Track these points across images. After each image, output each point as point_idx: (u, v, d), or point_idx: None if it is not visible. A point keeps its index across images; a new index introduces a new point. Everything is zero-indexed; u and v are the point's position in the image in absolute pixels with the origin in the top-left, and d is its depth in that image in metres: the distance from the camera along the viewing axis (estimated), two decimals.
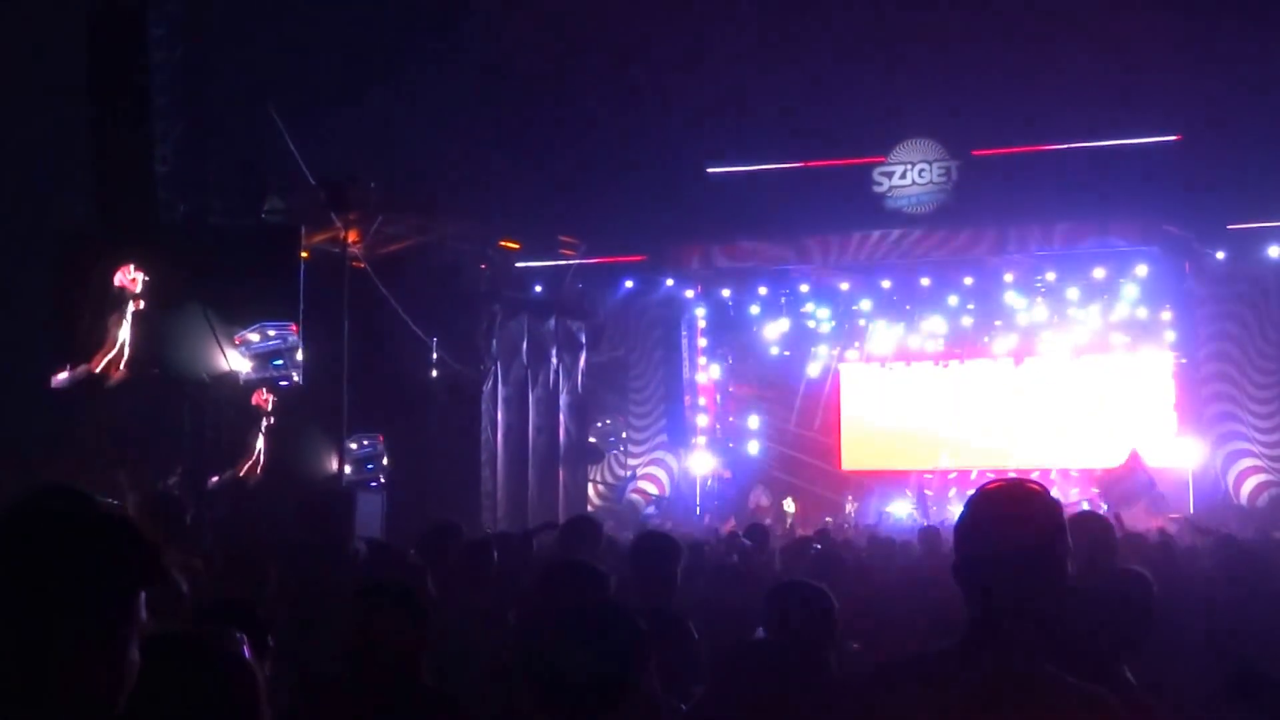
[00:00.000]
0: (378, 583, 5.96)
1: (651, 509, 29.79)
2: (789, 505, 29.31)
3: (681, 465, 31.50)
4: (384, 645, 5.06)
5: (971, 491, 3.55)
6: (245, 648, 3.00)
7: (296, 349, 19.63)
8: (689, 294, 31.47)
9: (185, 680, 2.85)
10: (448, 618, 8.37)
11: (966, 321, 30.77)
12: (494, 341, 26.18)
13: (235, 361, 20.08)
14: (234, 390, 21.24)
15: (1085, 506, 17.95)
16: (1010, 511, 3.43)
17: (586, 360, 29.66)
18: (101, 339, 19.79)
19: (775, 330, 32.11)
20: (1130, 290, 28.87)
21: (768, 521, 27.44)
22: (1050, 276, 29.03)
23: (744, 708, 5.18)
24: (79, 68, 19.82)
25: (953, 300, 30.26)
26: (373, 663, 5.02)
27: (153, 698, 2.61)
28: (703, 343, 32.52)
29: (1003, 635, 3.34)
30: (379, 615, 5.16)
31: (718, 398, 32.83)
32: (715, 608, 8.46)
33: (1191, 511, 25.24)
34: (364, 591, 5.48)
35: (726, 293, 31.61)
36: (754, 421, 33.10)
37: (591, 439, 30.15)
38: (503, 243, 27.19)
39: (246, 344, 20.06)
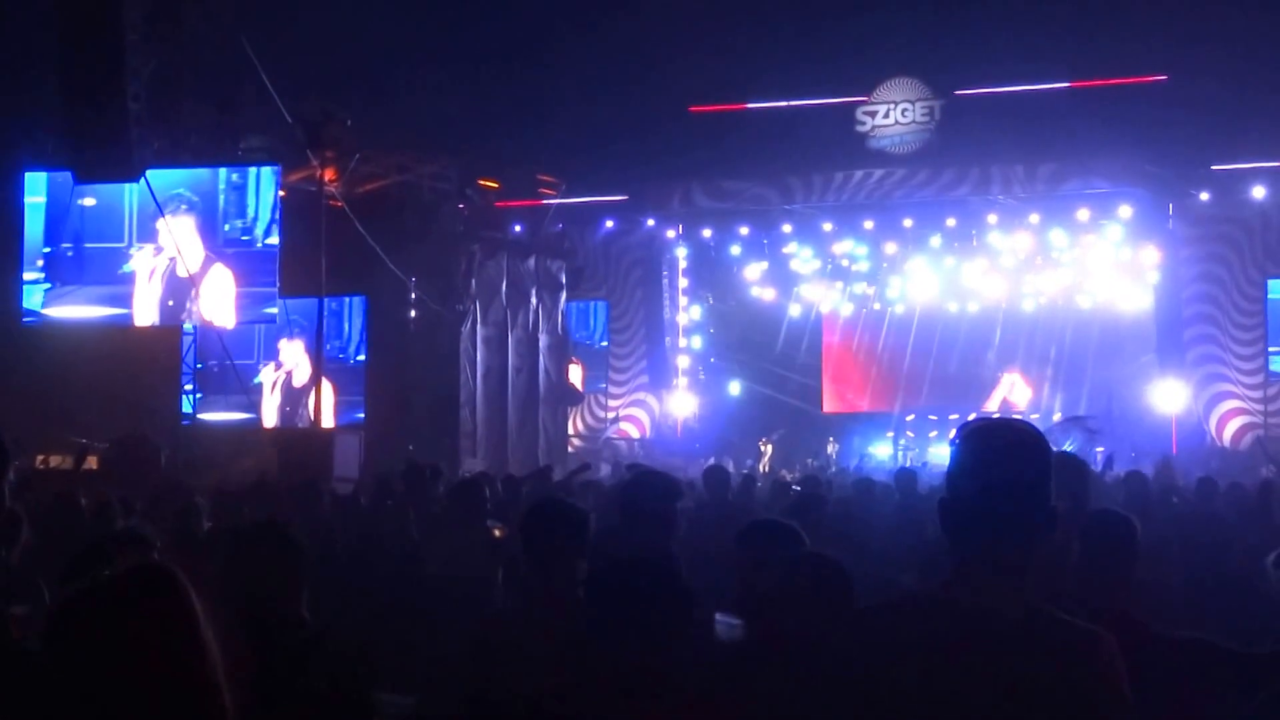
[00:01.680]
0: (252, 524, 5.97)
1: (641, 454, 29.77)
2: (765, 447, 29.21)
3: (663, 406, 31.42)
4: (256, 583, 5.01)
5: (953, 433, 3.43)
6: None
7: None
8: (670, 234, 31.32)
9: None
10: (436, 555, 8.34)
11: (949, 262, 30.61)
12: (473, 281, 25.98)
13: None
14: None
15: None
16: (1001, 449, 3.34)
17: (566, 301, 29.49)
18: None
19: (757, 271, 31.97)
20: (1114, 231, 28.72)
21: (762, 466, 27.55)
22: (1034, 217, 28.86)
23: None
24: (48, 2, 19.51)
25: (935, 241, 30.10)
26: (247, 601, 4.98)
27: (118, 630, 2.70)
28: (684, 283, 32.38)
29: (991, 574, 3.26)
30: (250, 555, 5.14)
31: (698, 339, 32.69)
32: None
33: (1174, 452, 25.27)
34: (237, 531, 5.46)
35: (708, 233, 31.43)
36: (735, 363, 33.01)
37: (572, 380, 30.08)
38: (481, 182, 26.95)
39: None
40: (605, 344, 32.12)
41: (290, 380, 23.69)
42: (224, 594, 4.99)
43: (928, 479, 16.71)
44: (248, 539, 5.35)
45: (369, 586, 7.68)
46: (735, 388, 32.61)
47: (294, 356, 23.63)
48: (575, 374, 30.19)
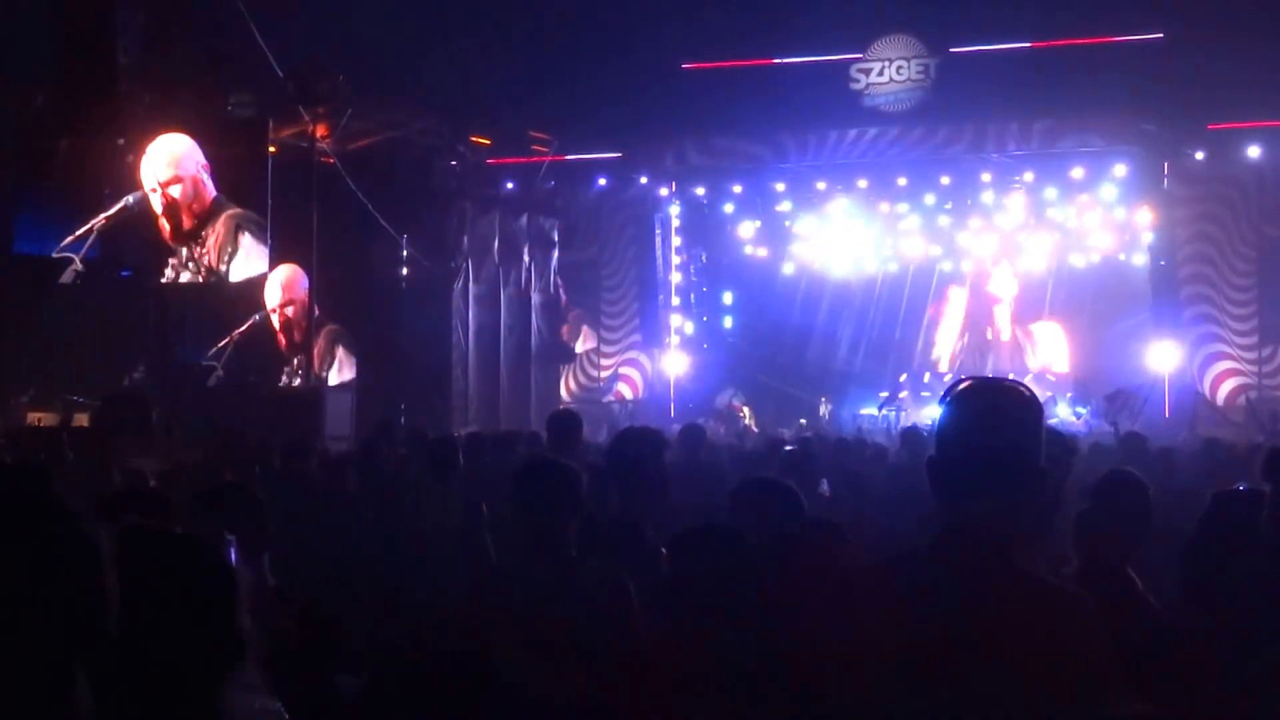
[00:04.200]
0: (214, 486, 5.97)
1: (619, 407, 29.76)
2: (742, 409, 29.09)
3: (655, 365, 31.35)
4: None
5: (943, 390, 3.41)
6: (233, 550, 3.06)
7: None
8: (663, 192, 31.18)
9: (169, 574, 2.88)
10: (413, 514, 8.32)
11: (943, 221, 30.53)
12: (465, 239, 25.91)
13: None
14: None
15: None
16: (989, 410, 3.35)
17: (559, 259, 29.40)
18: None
19: (750, 229, 31.87)
20: (1109, 190, 28.62)
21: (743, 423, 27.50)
22: (1028, 176, 28.78)
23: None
24: None
25: (929, 199, 30.01)
26: None
27: (138, 586, 2.80)
28: (676, 241, 32.26)
29: (977, 534, 3.26)
30: (211, 515, 5.10)
31: (692, 297, 32.61)
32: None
33: (1167, 415, 25.29)
34: (198, 494, 5.45)
35: (701, 191, 31.31)
36: (728, 321, 32.96)
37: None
38: (474, 139, 26.84)
39: None
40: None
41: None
42: None
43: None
44: (208, 500, 5.32)
45: (351, 544, 7.68)
46: (728, 348, 32.52)
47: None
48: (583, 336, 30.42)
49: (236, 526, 5.12)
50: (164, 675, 2.76)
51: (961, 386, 3.44)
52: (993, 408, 3.35)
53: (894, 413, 28.06)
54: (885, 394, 29.08)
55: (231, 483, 6.08)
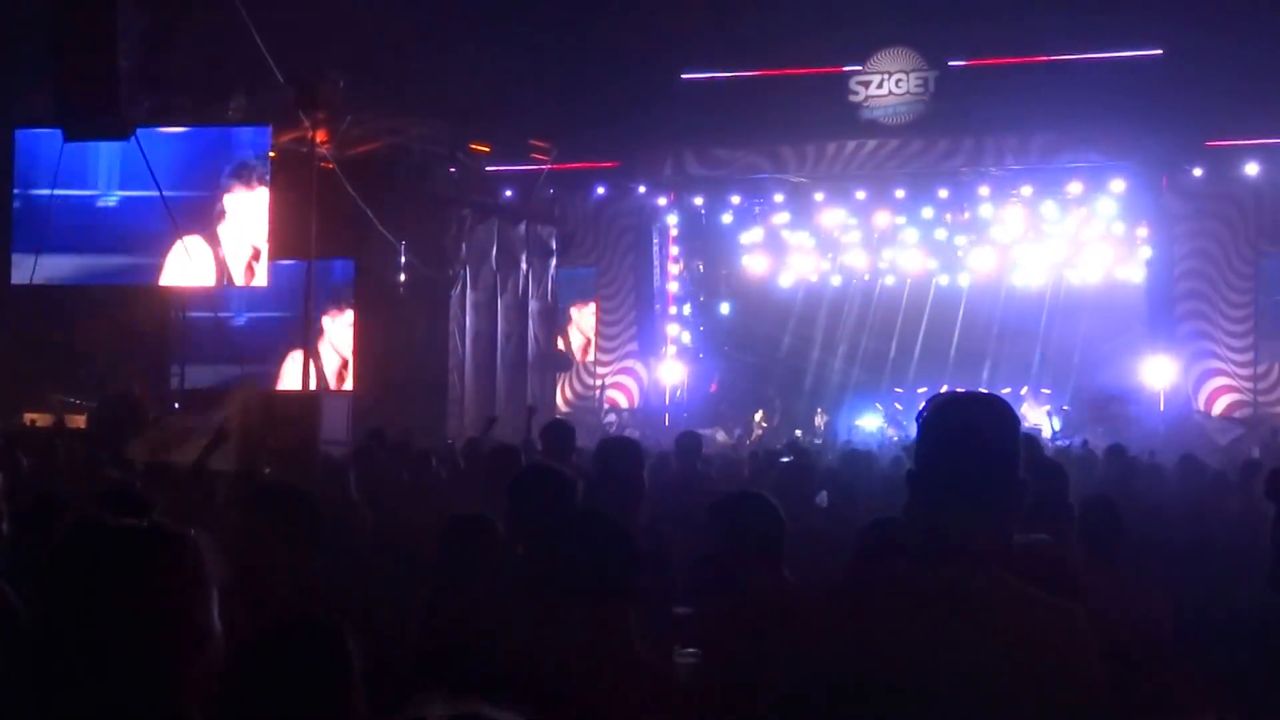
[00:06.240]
0: (263, 488, 5.88)
1: (612, 417, 29.74)
2: (759, 417, 29.17)
3: (652, 375, 31.35)
4: (266, 550, 4.91)
5: (922, 404, 3.45)
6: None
7: None
8: (661, 201, 31.17)
9: (124, 566, 2.78)
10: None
11: (941, 234, 30.52)
12: (463, 246, 25.92)
13: None
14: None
15: None
16: (967, 422, 3.37)
17: (556, 267, 29.43)
18: None
19: (748, 240, 31.86)
20: (1106, 206, 28.63)
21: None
22: (1026, 190, 28.77)
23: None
24: None
25: (927, 213, 29.99)
26: (256, 567, 4.89)
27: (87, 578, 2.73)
28: (674, 251, 32.28)
29: (959, 547, 3.27)
30: (260, 520, 5.03)
31: (689, 307, 32.60)
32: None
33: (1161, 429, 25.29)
34: (248, 497, 5.38)
35: (699, 201, 31.31)
36: (725, 332, 32.96)
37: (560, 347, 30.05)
38: (473, 146, 26.84)
39: None
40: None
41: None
42: (233, 558, 4.94)
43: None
44: (263, 501, 5.25)
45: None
46: (725, 357, 32.53)
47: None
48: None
49: (285, 531, 5.08)
50: (116, 667, 2.72)
51: (937, 399, 3.49)
52: (968, 420, 3.37)
53: (890, 427, 28.07)
54: (880, 406, 29.08)
55: (293, 485, 5.93)
